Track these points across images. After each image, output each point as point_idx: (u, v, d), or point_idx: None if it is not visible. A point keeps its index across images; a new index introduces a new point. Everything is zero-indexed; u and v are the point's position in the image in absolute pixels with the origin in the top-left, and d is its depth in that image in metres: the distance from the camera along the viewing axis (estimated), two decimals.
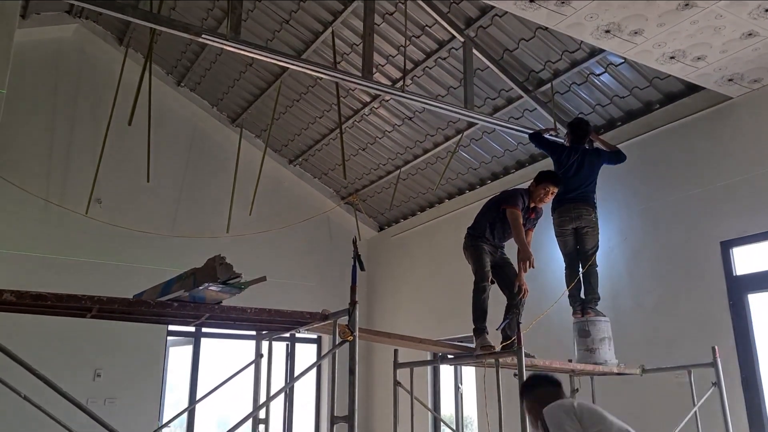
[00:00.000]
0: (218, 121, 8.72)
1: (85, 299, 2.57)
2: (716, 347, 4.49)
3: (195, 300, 2.80)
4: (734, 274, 5.00)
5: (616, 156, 5.44)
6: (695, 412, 4.43)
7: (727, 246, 5.06)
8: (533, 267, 4.37)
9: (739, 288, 4.95)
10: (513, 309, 4.47)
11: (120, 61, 7.03)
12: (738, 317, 4.88)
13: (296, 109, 7.98)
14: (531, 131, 5.92)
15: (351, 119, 7.65)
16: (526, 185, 6.64)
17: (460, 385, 7.80)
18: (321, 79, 7.02)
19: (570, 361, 4.81)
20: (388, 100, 7.15)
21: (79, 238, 7.36)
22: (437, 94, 6.56)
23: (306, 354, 9.26)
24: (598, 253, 5.24)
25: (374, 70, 5.87)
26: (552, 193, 4.74)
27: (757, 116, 5.00)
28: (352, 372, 2.93)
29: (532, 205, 4.71)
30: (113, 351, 7.31)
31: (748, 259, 4.99)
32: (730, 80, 4.84)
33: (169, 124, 8.35)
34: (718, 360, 4.44)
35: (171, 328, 7.87)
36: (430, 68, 6.46)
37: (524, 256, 4.37)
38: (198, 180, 8.52)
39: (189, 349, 8.22)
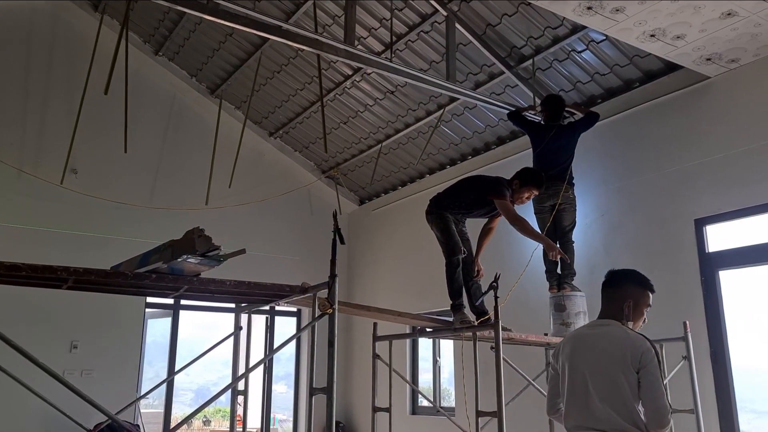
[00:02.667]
0: (197, 92, 8.59)
1: (60, 270, 2.54)
2: (687, 322, 4.61)
3: (173, 272, 2.79)
4: (707, 251, 5.11)
5: (588, 120, 5.46)
6: (666, 384, 4.54)
7: (700, 224, 5.16)
8: (561, 255, 4.54)
9: (711, 265, 5.05)
10: (475, 286, 4.50)
11: (95, 29, 6.87)
12: (709, 293, 5.00)
13: (277, 81, 7.89)
14: (512, 108, 5.94)
15: (332, 92, 7.58)
16: (506, 162, 6.76)
17: (438, 358, 7.91)
18: (302, 51, 6.93)
19: (546, 334, 4.90)
20: (370, 74, 7.10)
21: (55, 209, 7.26)
22: (420, 68, 6.52)
23: (286, 327, 9.31)
24: (575, 229, 5.31)
25: (356, 42, 5.81)
26: (534, 195, 4.75)
27: (733, 96, 5.06)
28: (331, 344, 2.96)
29: (512, 201, 4.62)
30: (90, 323, 7.28)
31: (720, 237, 5.10)
32: (708, 60, 4.88)
33: (147, 94, 8.21)
34: (689, 334, 4.56)
35: (149, 300, 7.85)
36: (413, 42, 6.41)
37: (549, 247, 4.57)
38: (176, 151, 8.42)
39: (168, 321, 8.21)
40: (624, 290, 2.78)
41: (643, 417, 2.50)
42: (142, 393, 5.50)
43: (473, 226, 4.76)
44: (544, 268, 5.28)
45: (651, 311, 5.53)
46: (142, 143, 7.99)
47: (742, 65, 4.96)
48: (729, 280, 5.02)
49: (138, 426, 7.06)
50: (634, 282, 2.83)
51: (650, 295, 2.81)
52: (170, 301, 8.01)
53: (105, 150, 7.69)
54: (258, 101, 8.30)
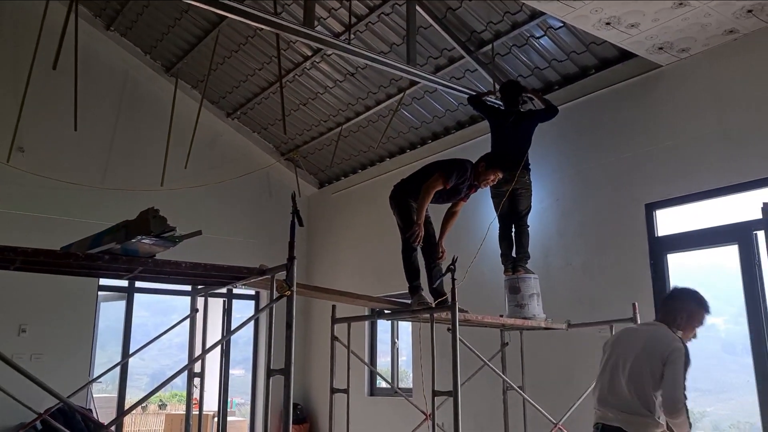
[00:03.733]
0: (152, 70, 8.36)
1: (7, 250, 2.46)
2: (636, 303, 4.76)
3: (127, 253, 2.73)
4: (656, 235, 5.28)
5: (547, 112, 5.53)
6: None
7: (651, 208, 5.32)
8: (415, 242, 4.32)
9: (659, 248, 5.23)
10: (437, 268, 4.54)
11: (43, 1, 6.59)
12: (657, 276, 5.18)
13: (235, 60, 7.74)
14: (472, 92, 5.98)
15: (292, 73, 7.49)
16: (466, 147, 6.82)
17: (396, 340, 7.99)
18: (261, 30, 6.81)
19: (501, 316, 4.99)
20: (330, 55, 7.03)
21: (1, 188, 6.99)
22: (380, 51, 6.50)
23: (244, 311, 9.24)
24: (531, 214, 5.41)
25: (316, 22, 5.74)
26: (499, 178, 4.78)
27: (683, 85, 5.21)
28: (289, 326, 2.96)
29: (476, 184, 4.66)
30: (40, 306, 7.08)
31: (669, 221, 5.27)
32: (660, 49, 5.01)
33: (98, 70, 7.95)
34: (638, 315, 4.71)
35: (102, 282, 7.67)
36: (373, 24, 6.37)
37: (412, 227, 4.32)
38: (130, 130, 8.20)
39: (122, 304, 8.04)
40: (682, 303, 3.14)
41: (658, 405, 2.88)
42: (95, 377, 5.38)
43: (437, 210, 4.79)
44: (500, 252, 5.37)
45: (603, 293, 5.72)
46: (93, 121, 7.75)
47: (692, 55, 5.11)
48: (676, 262, 5.21)
49: (90, 410, 6.93)
50: (693, 299, 3.16)
51: (705, 315, 3.14)
52: (124, 283, 7.84)
53: (54, 128, 7.43)
54: (215, 81, 8.13)
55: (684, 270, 5.29)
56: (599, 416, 3.07)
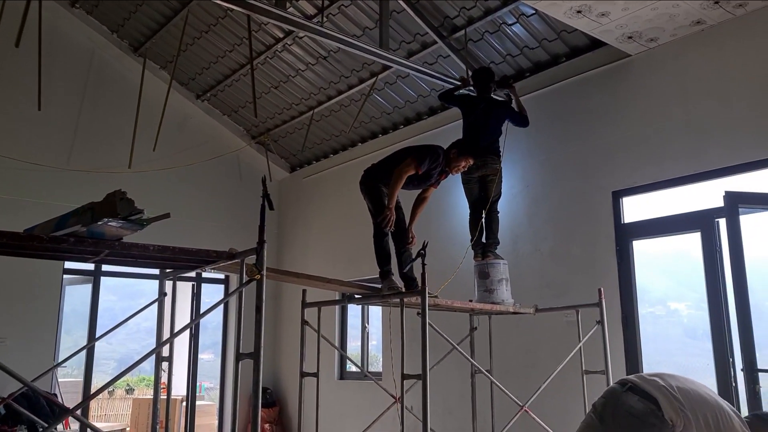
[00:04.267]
0: (119, 49, 8.16)
1: None
2: (602, 289, 4.87)
3: (93, 236, 2.68)
4: (622, 222, 5.39)
5: (520, 119, 5.54)
6: (580, 347, 4.82)
7: (617, 195, 5.42)
8: (386, 227, 4.34)
9: (625, 235, 5.34)
10: (407, 253, 4.57)
11: None
12: (623, 261, 5.29)
13: (205, 41, 7.60)
14: (445, 78, 5.98)
15: (263, 55, 7.39)
16: (438, 132, 6.83)
17: (366, 325, 8.03)
18: (231, 10, 6.69)
19: (470, 300, 5.05)
20: (302, 38, 6.96)
21: None
22: (353, 34, 6.45)
23: (214, 295, 9.18)
24: (501, 200, 5.47)
25: (287, 4, 5.67)
26: (470, 165, 4.81)
27: (651, 75, 5.30)
28: (258, 310, 2.95)
29: (447, 170, 4.69)
30: (2, 289, 6.92)
31: (635, 209, 5.38)
32: (629, 38, 5.07)
33: (63, 49, 7.74)
34: (603, 300, 4.82)
35: (68, 265, 7.53)
36: (346, 6, 6.32)
37: (384, 211, 4.33)
38: (97, 111, 8.01)
39: (88, 288, 7.91)
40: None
41: None
42: (59, 361, 5.30)
43: (407, 196, 4.80)
44: (470, 237, 5.42)
45: (570, 278, 5.82)
46: (58, 101, 7.55)
47: (660, 44, 5.19)
48: (641, 248, 5.32)
49: (55, 395, 6.83)
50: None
51: None
52: (90, 267, 7.71)
53: (16, 107, 7.22)
54: (185, 62, 7.98)
55: (648, 256, 5.41)
56: None
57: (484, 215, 5.34)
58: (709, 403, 2.76)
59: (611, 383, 4.74)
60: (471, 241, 5.37)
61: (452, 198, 6.58)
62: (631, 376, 2.95)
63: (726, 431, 2.70)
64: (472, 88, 5.78)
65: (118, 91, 8.11)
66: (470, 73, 5.93)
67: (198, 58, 7.97)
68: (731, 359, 4.47)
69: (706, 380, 3.13)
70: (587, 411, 4.69)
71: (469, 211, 5.47)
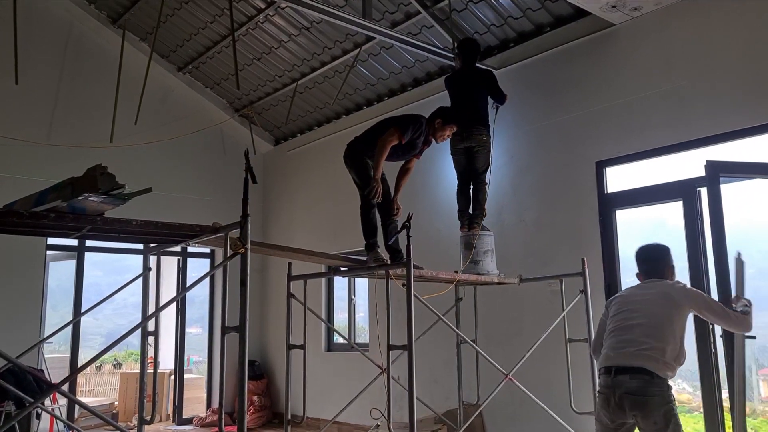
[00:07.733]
0: (97, 21, 7.98)
1: None
2: (585, 258, 4.92)
3: (74, 211, 2.65)
4: (605, 192, 5.43)
5: (500, 96, 5.51)
6: (564, 316, 4.89)
7: (601, 166, 5.45)
8: (374, 198, 4.35)
9: (608, 204, 5.39)
10: (393, 224, 4.58)
11: None
12: (606, 231, 5.34)
13: (185, 12, 7.45)
14: (429, 47, 5.92)
15: (245, 26, 7.26)
16: (423, 103, 6.79)
17: (353, 297, 8.08)
18: None
19: (456, 272, 5.09)
20: (284, 8, 6.84)
21: None
22: (335, 4, 6.35)
23: (200, 269, 9.16)
24: (487, 171, 5.47)
25: None
26: (454, 133, 4.80)
27: (634, 44, 5.29)
28: (243, 284, 2.95)
29: (431, 139, 4.69)
30: None
31: (618, 179, 5.42)
32: (613, 7, 5.05)
33: (40, 20, 7.55)
34: (587, 270, 4.87)
35: (51, 241, 7.46)
36: None
37: (370, 183, 4.33)
38: (76, 84, 7.86)
39: (72, 263, 7.86)
40: (662, 259, 3.67)
41: (671, 353, 3.24)
42: (45, 336, 5.28)
43: (391, 168, 4.79)
44: (457, 208, 5.43)
45: (554, 247, 5.88)
46: (36, 75, 7.40)
47: (644, 14, 5.17)
48: (624, 218, 5.38)
49: (42, 371, 6.83)
50: (666, 253, 3.68)
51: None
52: (74, 242, 7.65)
53: None
54: (165, 33, 7.83)
55: (631, 226, 5.47)
56: (613, 360, 3.28)
57: (472, 186, 5.35)
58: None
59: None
60: (458, 212, 5.39)
61: (437, 170, 6.59)
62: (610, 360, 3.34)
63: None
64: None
65: (97, 64, 7.95)
66: (455, 44, 5.88)
67: (179, 30, 7.82)
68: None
69: (687, 347, 3.31)
70: (569, 377, 4.79)
71: (457, 182, 5.48)
